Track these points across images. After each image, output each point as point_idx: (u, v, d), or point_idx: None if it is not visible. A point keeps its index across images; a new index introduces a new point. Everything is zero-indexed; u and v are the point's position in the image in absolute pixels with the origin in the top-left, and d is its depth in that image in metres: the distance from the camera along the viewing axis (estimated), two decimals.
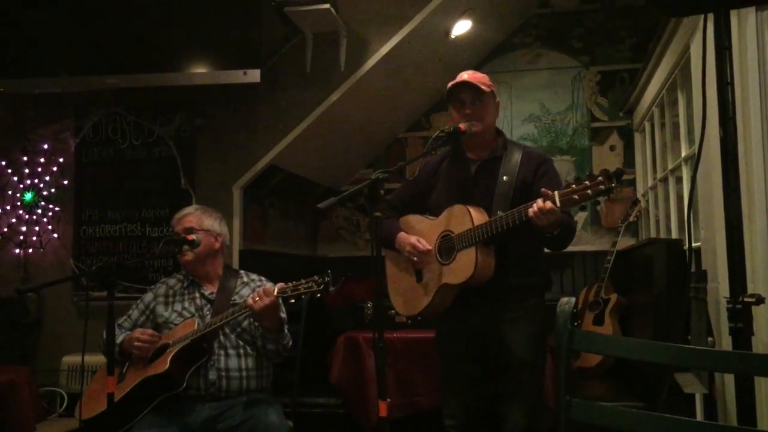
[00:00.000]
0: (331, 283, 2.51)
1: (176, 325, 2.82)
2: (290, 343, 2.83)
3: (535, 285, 2.65)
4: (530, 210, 2.26)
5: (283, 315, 2.76)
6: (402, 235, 2.71)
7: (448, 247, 2.57)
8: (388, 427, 2.07)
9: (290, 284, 2.59)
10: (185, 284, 2.95)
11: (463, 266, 2.48)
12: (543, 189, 2.26)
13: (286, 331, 2.78)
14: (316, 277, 2.52)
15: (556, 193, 2.22)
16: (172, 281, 3.00)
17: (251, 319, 2.77)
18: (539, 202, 2.24)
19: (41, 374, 4.15)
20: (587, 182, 2.14)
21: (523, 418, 2.57)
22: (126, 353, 2.79)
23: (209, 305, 2.87)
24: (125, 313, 2.97)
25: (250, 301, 2.61)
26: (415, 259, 2.64)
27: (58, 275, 4.24)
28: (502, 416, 2.61)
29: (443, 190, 2.70)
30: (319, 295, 2.53)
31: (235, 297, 2.88)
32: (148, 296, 2.98)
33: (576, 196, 2.17)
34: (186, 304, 2.89)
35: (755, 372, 1.47)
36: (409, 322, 3.76)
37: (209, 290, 2.92)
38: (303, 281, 2.55)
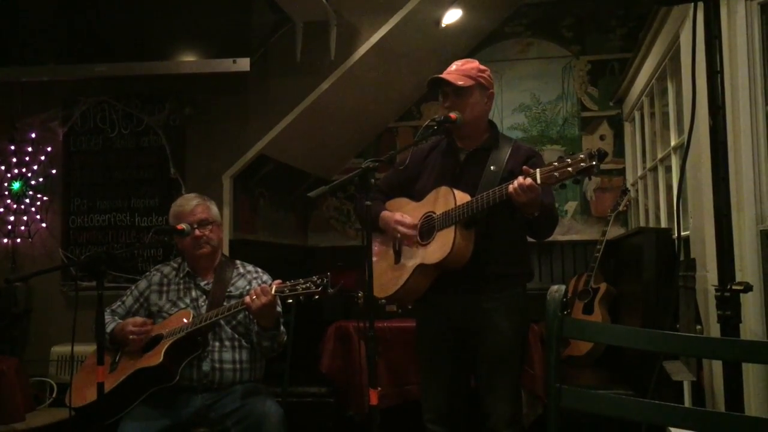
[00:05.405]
0: (329, 285, 2.46)
1: (170, 314, 2.79)
2: (285, 339, 2.80)
3: (514, 275, 2.61)
4: (510, 186, 2.27)
5: (279, 309, 2.72)
6: (385, 213, 2.67)
7: (429, 228, 2.54)
8: (378, 416, 2.07)
9: (288, 283, 2.54)
10: (181, 274, 2.91)
11: (441, 245, 2.46)
12: (524, 167, 2.27)
13: (282, 328, 2.77)
14: (314, 278, 2.48)
15: (537, 170, 2.23)
16: (166, 269, 2.96)
17: (246, 312, 2.74)
18: (520, 178, 2.25)
19: (30, 364, 4.13)
20: (569, 160, 2.16)
21: (507, 410, 2.55)
22: (117, 341, 2.76)
23: (205, 296, 2.84)
24: (119, 298, 2.94)
25: (247, 299, 2.57)
26: (399, 235, 2.59)
27: (47, 265, 4.21)
28: (485, 410, 2.58)
29: (430, 177, 2.68)
30: (317, 297, 2.47)
31: (231, 288, 2.86)
32: (143, 284, 2.94)
33: (557, 174, 2.17)
34: (181, 294, 2.86)
35: (743, 358, 1.49)
36: (400, 311, 3.77)
37: (205, 281, 2.89)
38: (301, 281, 2.50)
